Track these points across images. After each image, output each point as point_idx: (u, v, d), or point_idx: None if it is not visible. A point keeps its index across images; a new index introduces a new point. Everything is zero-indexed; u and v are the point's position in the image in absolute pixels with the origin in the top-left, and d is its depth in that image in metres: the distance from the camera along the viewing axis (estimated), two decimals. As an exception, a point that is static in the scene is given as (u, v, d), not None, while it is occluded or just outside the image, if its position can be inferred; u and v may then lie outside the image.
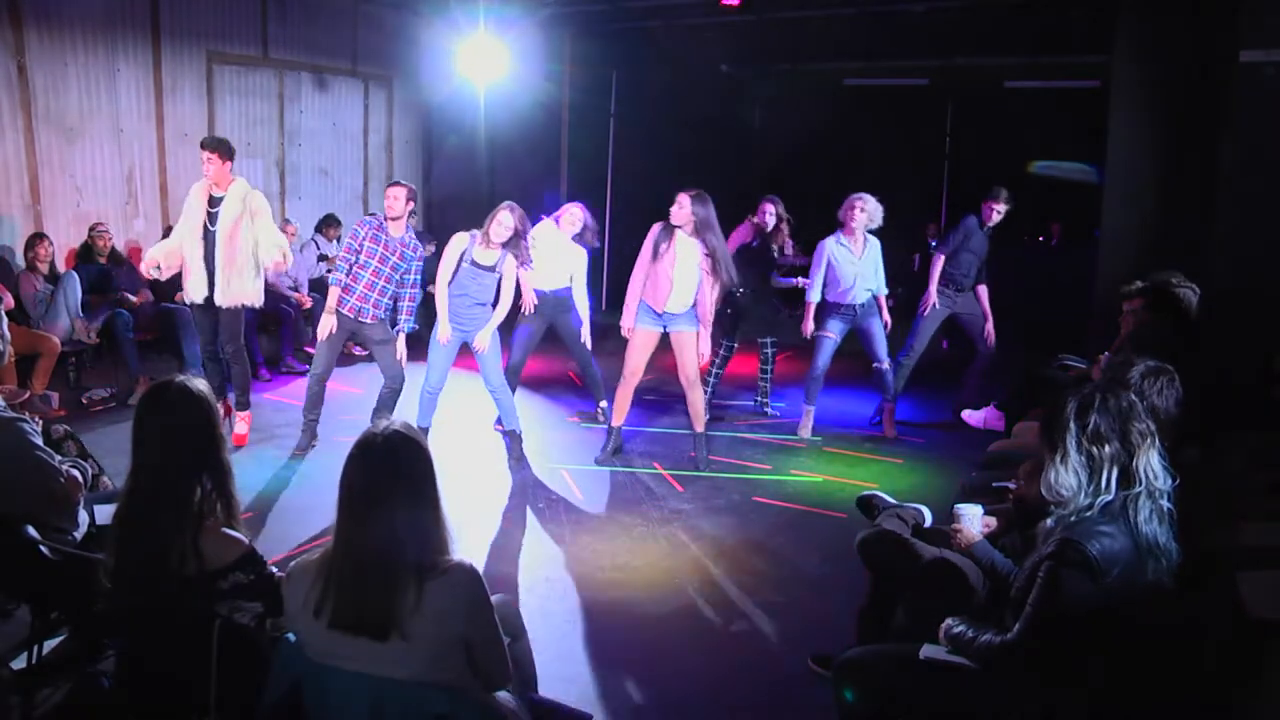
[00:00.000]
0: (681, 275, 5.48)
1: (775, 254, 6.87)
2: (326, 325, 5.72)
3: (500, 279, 5.63)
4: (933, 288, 6.61)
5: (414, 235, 5.92)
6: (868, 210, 6.20)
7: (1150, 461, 2.33)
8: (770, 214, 6.72)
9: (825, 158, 11.97)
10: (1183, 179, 7.16)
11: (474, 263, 5.54)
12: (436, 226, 10.83)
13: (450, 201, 11.03)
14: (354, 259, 5.69)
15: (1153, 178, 7.41)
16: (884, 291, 6.44)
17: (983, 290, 6.76)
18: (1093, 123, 8.91)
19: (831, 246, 6.26)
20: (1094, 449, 2.33)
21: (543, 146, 11.17)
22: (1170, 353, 3.44)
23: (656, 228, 5.56)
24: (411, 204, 5.75)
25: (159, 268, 5.87)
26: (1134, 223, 7.53)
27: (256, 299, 5.95)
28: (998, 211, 6.57)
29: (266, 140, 9.32)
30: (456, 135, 10.77)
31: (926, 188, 12.96)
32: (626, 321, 5.65)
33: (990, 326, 6.76)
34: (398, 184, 5.83)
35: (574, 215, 6.25)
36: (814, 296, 6.32)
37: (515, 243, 5.55)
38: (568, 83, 11.27)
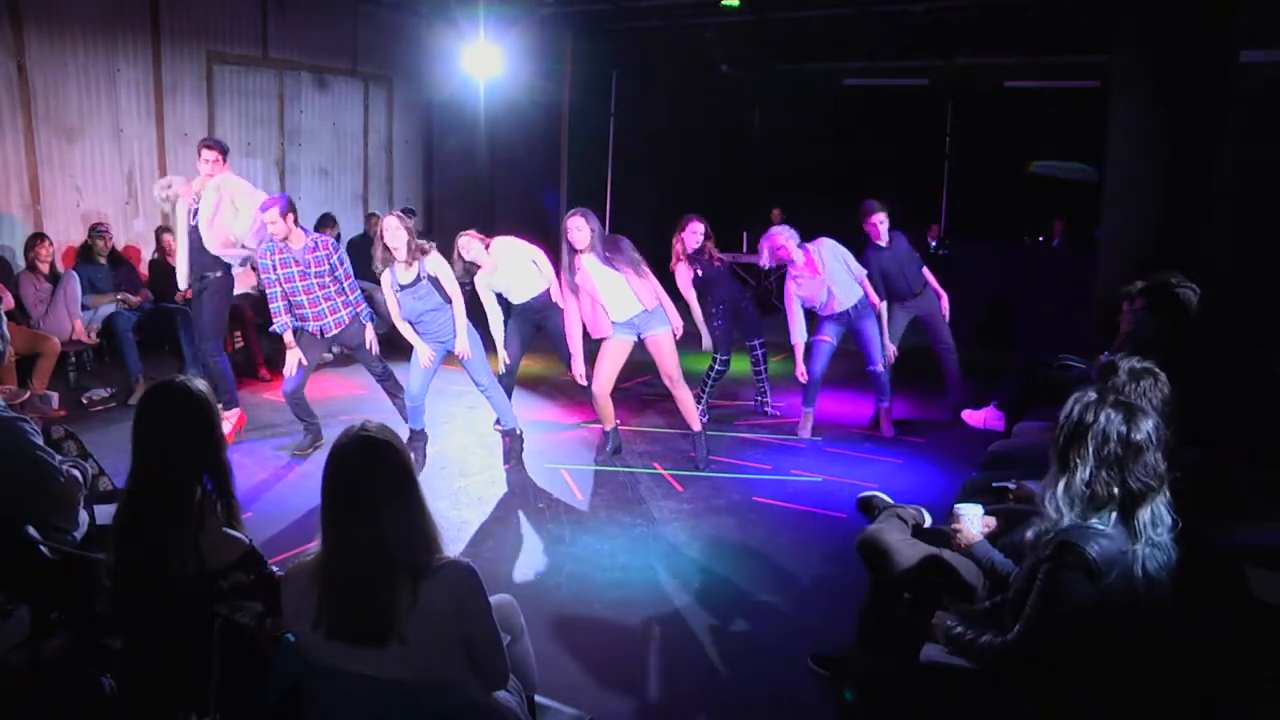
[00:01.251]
0: (608, 289, 5.42)
1: (719, 265, 6.68)
2: (292, 361, 5.65)
3: (435, 281, 5.48)
4: (886, 337, 6.50)
5: (315, 236, 5.72)
6: (789, 237, 6.13)
7: (1150, 512, 2.28)
8: (698, 234, 6.47)
9: (825, 158, 11.98)
10: (1183, 179, 7.17)
11: (401, 288, 5.43)
12: (437, 227, 10.83)
13: (450, 201, 11.04)
14: (278, 290, 5.57)
15: (1153, 178, 7.42)
16: (864, 272, 6.35)
17: (928, 274, 6.74)
18: (1093, 123, 8.92)
19: (792, 289, 6.23)
20: (1100, 489, 2.29)
21: (543, 146, 11.17)
22: (1169, 352, 3.44)
23: (558, 274, 5.54)
24: (290, 215, 5.51)
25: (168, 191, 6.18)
26: (1134, 223, 7.53)
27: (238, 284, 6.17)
28: (880, 222, 6.52)
29: (266, 140, 9.33)
30: (456, 135, 10.77)
31: (926, 188, 12.98)
32: (578, 369, 5.62)
33: (945, 304, 6.73)
34: (267, 205, 5.51)
35: (465, 243, 5.91)
36: (798, 339, 6.25)
37: (411, 242, 5.38)
38: (568, 83, 11.28)
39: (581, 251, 5.39)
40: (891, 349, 6.57)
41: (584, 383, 5.65)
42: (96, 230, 7.44)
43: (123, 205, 8.12)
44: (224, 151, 6.04)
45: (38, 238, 7.06)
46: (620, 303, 5.46)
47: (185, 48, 8.39)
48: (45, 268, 7.02)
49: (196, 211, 5.99)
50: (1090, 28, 8.86)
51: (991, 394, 6.35)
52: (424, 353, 5.53)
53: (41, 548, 2.82)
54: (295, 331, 5.67)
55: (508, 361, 6.07)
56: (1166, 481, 2.31)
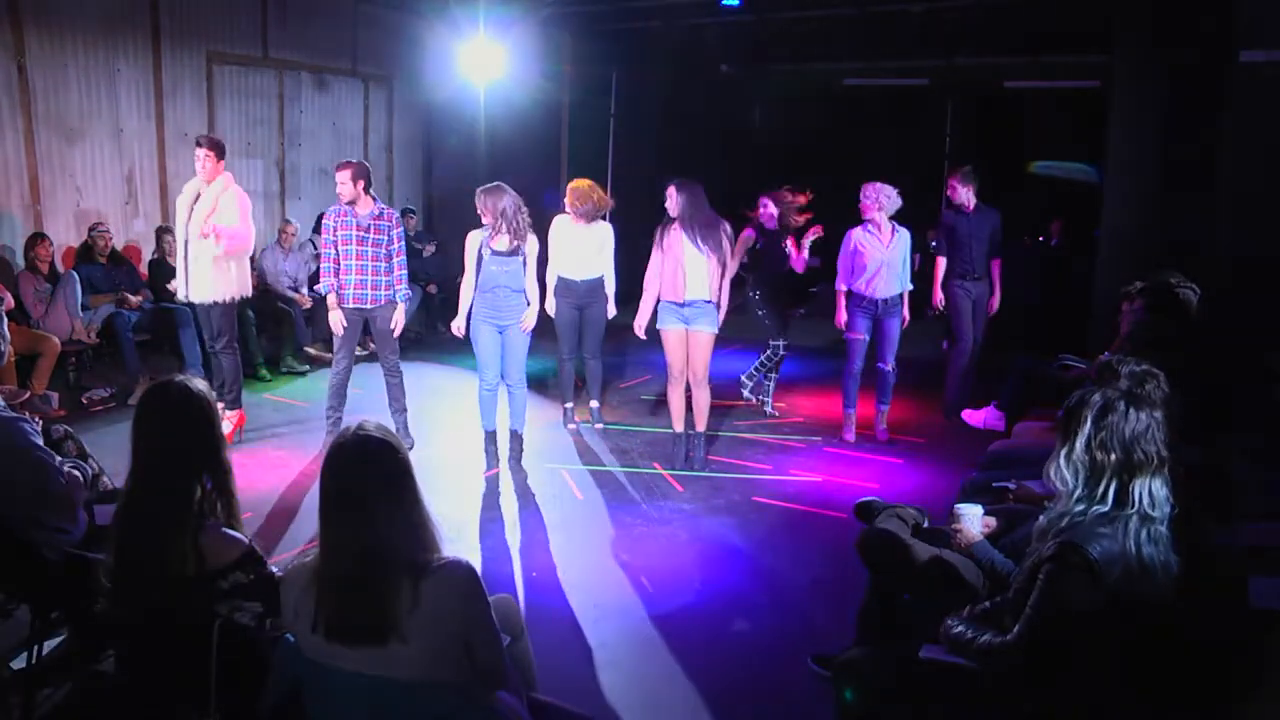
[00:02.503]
0: (692, 262, 5.57)
1: (786, 249, 6.81)
2: (336, 320, 5.81)
3: (526, 262, 5.65)
4: (937, 287, 6.75)
5: (383, 206, 5.90)
6: (882, 203, 6.19)
7: (1148, 487, 2.31)
8: (771, 208, 6.69)
9: (825, 158, 11.97)
10: (1183, 179, 7.16)
11: (495, 252, 5.56)
12: (436, 226, 10.83)
13: (450, 201, 11.02)
14: (332, 252, 5.74)
15: (1153, 178, 7.41)
16: (909, 287, 6.39)
17: (995, 266, 6.87)
18: (1093, 123, 8.92)
19: (858, 234, 6.27)
20: (1099, 454, 2.33)
21: (543, 146, 11.16)
22: (1169, 353, 3.44)
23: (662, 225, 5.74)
24: (361, 181, 5.67)
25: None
26: (1134, 223, 7.53)
27: (228, 293, 5.99)
28: (955, 186, 6.73)
29: (266, 140, 9.32)
30: (456, 135, 10.76)
31: (926, 188, 12.96)
32: (641, 321, 5.77)
33: (994, 302, 6.86)
34: (341, 166, 5.73)
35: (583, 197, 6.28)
36: (841, 284, 6.34)
37: (515, 218, 5.55)
38: (568, 83, 11.27)
39: (674, 219, 5.60)
40: (938, 295, 6.78)
41: (643, 336, 5.81)
42: (96, 230, 7.44)
43: (123, 205, 8.11)
44: (215, 148, 5.89)
45: (38, 238, 7.05)
46: (692, 281, 5.58)
47: (185, 48, 8.38)
48: (45, 268, 7.01)
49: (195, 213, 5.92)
50: (1090, 28, 8.86)
51: (992, 394, 6.36)
52: (459, 323, 5.71)
53: (42, 548, 2.82)
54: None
55: (565, 354, 6.46)
56: (1166, 465, 2.33)
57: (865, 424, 6.63)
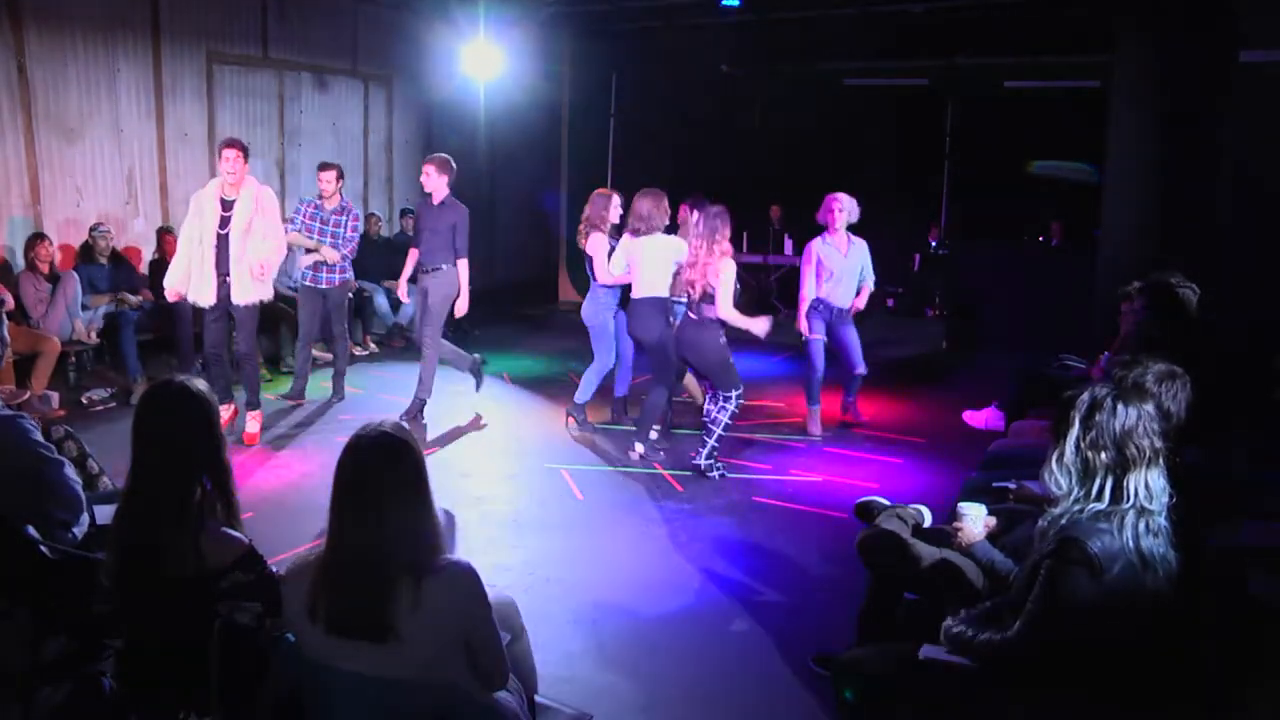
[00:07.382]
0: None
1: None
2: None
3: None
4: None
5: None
6: (845, 209, 6.33)
7: (1145, 480, 2.30)
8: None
9: (825, 158, 11.97)
10: (1183, 179, 7.17)
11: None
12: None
13: (450, 201, 11.02)
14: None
15: (1153, 178, 7.42)
16: (869, 279, 6.50)
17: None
18: (1093, 123, 8.92)
19: (819, 246, 6.41)
20: (1090, 453, 2.33)
21: (543, 146, 11.17)
22: (1168, 352, 3.44)
23: None
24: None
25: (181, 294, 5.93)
26: (1134, 223, 7.54)
27: (269, 294, 6.02)
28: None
29: (266, 140, 9.32)
30: (456, 135, 10.77)
31: (926, 188, 12.99)
32: None
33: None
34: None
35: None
36: (808, 293, 6.43)
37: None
38: (568, 83, 11.28)
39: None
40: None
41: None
42: (97, 230, 7.44)
43: (123, 205, 8.11)
44: (246, 153, 5.84)
45: (38, 238, 7.05)
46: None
47: (185, 48, 8.39)
48: (45, 268, 7.01)
49: (228, 220, 5.77)
50: (1090, 28, 8.87)
51: (993, 395, 6.35)
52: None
53: (41, 548, 2.82)
54: None
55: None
56: (1161, 455, 2.33)
57: (832, 420, 6.69)
